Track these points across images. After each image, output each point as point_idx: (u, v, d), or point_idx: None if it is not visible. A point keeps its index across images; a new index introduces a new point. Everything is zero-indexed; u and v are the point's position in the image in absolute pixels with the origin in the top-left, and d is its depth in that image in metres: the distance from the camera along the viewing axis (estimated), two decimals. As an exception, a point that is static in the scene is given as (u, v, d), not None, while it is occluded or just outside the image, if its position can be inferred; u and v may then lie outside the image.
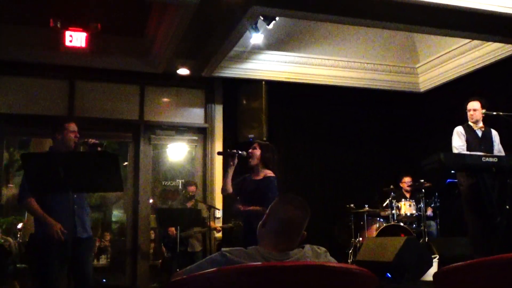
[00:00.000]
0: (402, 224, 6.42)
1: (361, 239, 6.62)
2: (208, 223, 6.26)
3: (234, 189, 4.34)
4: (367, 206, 6.80)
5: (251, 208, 4.08)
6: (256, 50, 7.05)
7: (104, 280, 7.29)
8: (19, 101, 6.73)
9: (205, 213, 6.30)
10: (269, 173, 4.18)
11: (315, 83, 7.56)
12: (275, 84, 7.30)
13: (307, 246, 1.93)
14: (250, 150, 4.31)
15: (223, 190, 4.39)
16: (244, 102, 7.36)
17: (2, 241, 8.04)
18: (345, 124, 7.87)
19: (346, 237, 6.86)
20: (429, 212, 6.67)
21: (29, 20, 6.26)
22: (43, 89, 6.85)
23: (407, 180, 7.04)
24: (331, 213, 7.09)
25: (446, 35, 6.46)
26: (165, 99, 7.50)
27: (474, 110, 5.22)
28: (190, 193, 6.69)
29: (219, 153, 5.37)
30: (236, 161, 4.34)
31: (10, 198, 10.77)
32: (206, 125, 7.45)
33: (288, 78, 7.43)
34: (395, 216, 6.59)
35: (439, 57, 7.67)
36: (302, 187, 6.94)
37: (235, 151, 4.38)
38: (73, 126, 3.88)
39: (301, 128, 7.64)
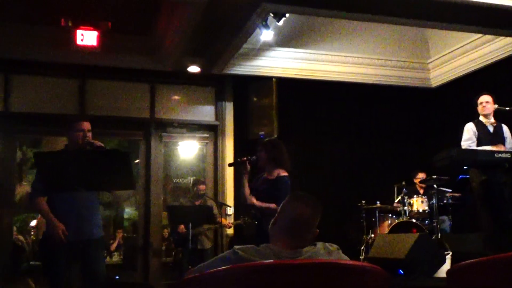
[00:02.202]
0: (414, 220, 6.38)
1: (373, 235, 6.59)
2: (220, 220, 6.28)
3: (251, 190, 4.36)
4: (378, 202, 6.76)
5: (266, 204, 4.08)
6: (266, 47, 7.04)
7: (117, 277, 7.34)
8: (30, 100, 6.79)
9: (215, 210, 6.32)
10: (282, 172, 4.18)
11: (325, 80, 7.54)
12: (286, 81, 7.29)
13: (319, 244, 1.94)
14: (257, 153, 4.34)
15: (245, 200, 4.39)
16: (255, 99, 7.35)
17: (15, 239, 8.13)
18: (356, 120, 7.84)
19: (358, 234, 6.83)
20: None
21: (40, 19, 6.31)
22: (54, 88, 6.90)
23: (421, 176, 6.98)
24: (343, 210, 7.06)
25: (457, 30, 6.41)
26: (176, 97, 7.52)
27: (487, 102, 5.18)
28: (201, 192, 6.71)
29: (230, 165, 5.41)
30: (248, 168, 4.37)
31: (24, 196, 10.88)
32: (217, 123, 7.46)
33: (298, 74, 7.42)
34: (407, 212, 6.55)
35: (450, 52, 7.61)
36: (313, 184, 6.92)
37: (245, 158, 4.41)
38: (80, 125, 3.86)
39: (312, 125, 7.63)
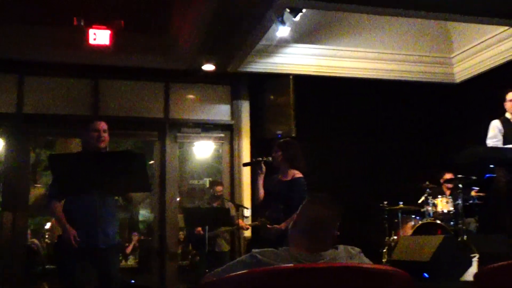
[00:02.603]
0: (439, 221, 6.32)
1: (395, 237, 6.55)
2: (241, 220, 6.29)
3: (264, 191, 4.36)
4: (401, 203, 6.72)
5: (289, 220, 4.04)
6: (283, 43, 7.02)
7: (132, 281, 7.41)
8: (43, 101, 6.87)
9: (233, 212, 6.34)
10: (297, 173, 4.17)
11: (344, 76, 7.50)
12: (303, 78, 7.27)
13: (341, 247, 1.93)
14: (272, 155, 4.34)
15: (257, 200, 4.43)
16: (271, 97, 7.35)
17: (30, 242, 8.26)
18: (376, 118, 7.79)
19: (380, 236, 6.79)
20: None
21: (52, 20, 6.38)
22: (67, 88, 6.97)
23: (448, 176, 6.91)
24: (364, 212, 7.02)
25: (482, 23, 6.33)
26: (190, 96, 7.55)
27: (514, 100, 5.11)
28: (218, 193, 6.73)
29: (244, 165, 5.43)
30: (264, 168, 4.38)
31: (38, 198, 11.04)
32: (233, 122, 7.48)
33: (316, 71, 7.39)
34: (431, 213, 6.49)
35: (475, 46, 7.51)
36: (333, 185, 6.88)
37: (260, 159, 4.43)
38: (96, 125, 3.90)
39: (331, 123, 7.59)
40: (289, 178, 4.20)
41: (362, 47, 7.53)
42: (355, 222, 6.63)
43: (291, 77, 7.16)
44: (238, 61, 6.91)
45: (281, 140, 4.56)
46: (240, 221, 6.38)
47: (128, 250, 9.80)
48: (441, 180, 7.02)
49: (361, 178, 7.47)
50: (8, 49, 6.47)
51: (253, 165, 4.58)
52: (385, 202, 6.77)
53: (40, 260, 8.52)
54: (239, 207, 6.59)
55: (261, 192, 4.39)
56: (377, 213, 6.84)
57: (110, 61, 6.78)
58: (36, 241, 8.85)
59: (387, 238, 6.66)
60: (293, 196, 4.06)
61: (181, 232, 8.49)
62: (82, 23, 6.27)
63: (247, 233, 6.98)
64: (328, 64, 7.42)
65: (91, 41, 6.37)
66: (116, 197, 4.05)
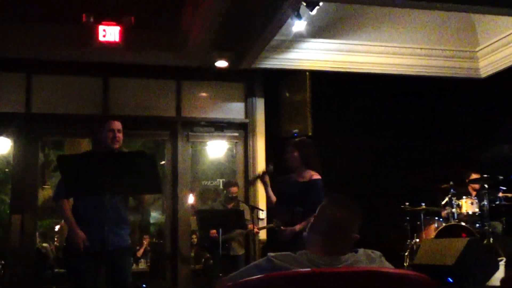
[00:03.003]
0: (463, 223, 6.27)
1: (418, 240, 6.52)
2: (252, 225, 6.30)
3: (276, 192, 4.37)
4: (423, 204, 6.67)
5: (293, 228, 4.05)
6: (299, 38, 7.01)
7: (144, 286, 7.46)
8: (52, 101, 6.95)
9: (247, 215, 6.34)
10: (315, 174, 4.15)
11: (363, 72, 7.47)
12: (320, 74, 7.25)
13: (361, 250, 1.92)
14: (287, 155, 4.33)
15: (269, 205, 4.47)
16: (287, 94, 7.34)
17: (39, 246, 8.35)
18: (397, 115, 7.73)
19: (402, 239, 6.76)
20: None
21: (61, 17, 6.44)
22: (77, 87, 7.04)
23: (474, 176, 6.84)
24: (385, 213, 6.99)
25: (508, 14, 6.25)
26: (203, 94, 7.57)
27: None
28: (233, 194, 6.74)
29: (249, 182, 5.43)
30: (267, 180, 4.42)
31: (47, 199, 11.15)
32: (247, 120, 7.49)
33: (334, 67, 7.37)
34: (455, 215, 6.44)
35: (501, 39, 7.43)
36: (351, 186, 6.86)
37: (262, 172, 4.49)
38: (110, 124, 3.92)
39: (349, 121, 7.57)
40: (306, 179, 4.18)
41: (381, 41, 7.49)
42: (375, 225, 6.59)
43: (307, 73, 7.15)
44: (252, 57, 6.91)
45: (296, 140, 4.55)
46: (251, 225, 6.37)
47: (139, 253, 9.86)
48: (466, 180, 6.95)
49: (381, 178, 7.43)
50: (15, 47, 6.55)
51: (258, 179, 4.65)
52: (407, 204, 6.73)
53: (50, 263, 8.61)
54: (254, 209, 6.59)
55: (273, 198, 4.43)
56: (398, 215, 6.81)
57: (120, 58, 6.83)
58: (45, 244, 8.94)
59: (409, 241, 6.63)
60: (311, 198, 4.04)
61: (193, 235, 8.52)
62: (91, 20, 6.32)
63: (262, 236, 6.98)
64: (346, 60, 7.40)
65: (101, 38, 6.41)
66: (128, 198, 4.08)
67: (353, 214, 1.96)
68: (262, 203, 7.07)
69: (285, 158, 4.39)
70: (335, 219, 1.93)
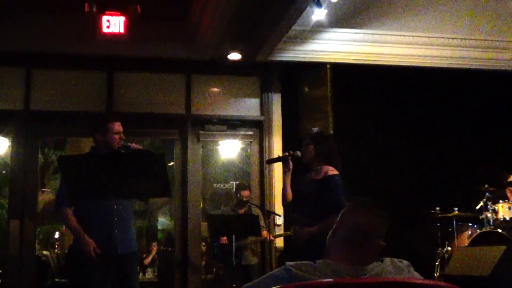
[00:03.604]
0: (500, 230, 6.23)
1: (449, 248, 6.49)
2: (267, 232, 6.30)
3: (292, 192, 4.33)
4: (456, 209, 6.63)
5: (321, 224, 3.99)
6: (319, 28, 6.99)
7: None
8: (53, 97, 7.01)
9: (261, 220, 6.35)
10: (331, 170, 4.10)
11: (389, 64, 7.44)
12: (342, 67, 7.24)
13: (387, 260, 1.92)
14: (303, 148, 4.28)
15: (284, 202, 4.41)
16: (306, 89, 7.34)
17: (39, 253, 8.44)
18: (427, 112, 7.70)
19: (432, 247, 6.73)
20: None
21: (62, 7, 6.49)
22: (79, 82, 7.10)
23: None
24: (413, 219, 6.96)
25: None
26: (215, 89, 7.59)
27: None
28: (244, 198, 6.75)
29: (268, 162, 5.37)
30: (291, 165, 4.33)
31: (46, 204, 11.26)
32: (262, 118, 7.49)
33: (357, 59, 7.35)
34: (491, 220, 6.40)
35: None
36: (377, 188, 6.85)
37: (286, 154, 4.38)
38: (117, 126, 3.98)
39: (374, 118, 7.54)
40: (321, 176, 4.13)
41: (409, 30, 7.45)
42: (403, 231, 6.58)
43: (328, 66, 7.14)
44: (269, 49, 6.91)
45: (314, 132, 4.47)
46: (265, 232, 6.36)
47: (147, 261, 9.91)
48: (504, 183, 6.90)
49: (409, 180, 7.40)
50: (13, 40, 6.62)
51: (279, 161, 4.54)
52: (438, 208, 6.70)
53: (50, 273, 8.70)
54: (270, 214, 6.60)
55: (289, 193, 4.35)
56: (428, 221, 6.78)
57: (125, 51, 6.87)
58: (45, 252, 9.04)
59: (439, 249, 6.60)
60: (325, 196, 4.00)
61: (203, 243, 8.55)
62: (94, 10, 6.36)
63: (279, 244, 6.99)
64: (371, 51, 7.37)
65: (104, 29, 6.47)
66: (133, 201, 4.13)
67: (379, 219, 1.95)
68: (278, 207, 7.08)
69: (300, 151, 4.35)
70: (359, 225, 1.93)
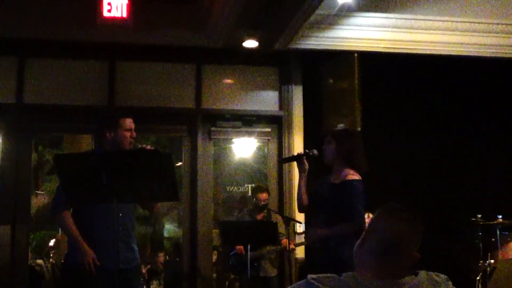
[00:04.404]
0: (550, 241, 6.19)
1: (492, 261, 6.45)
2: (286, 240, 6.30)
3: (308, 195, 4.34)
4: (500, 217, 6.59)
5: (334, 230, 4.01)
6: (346, 12, 6.99)
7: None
8: (48, 89, 7.06)
9: (281, 227, 6.36)
10: (352, 174, 4.08)
11: (424, 53, 7.41)
12: (372, 56, 7.22)
13: (422, 273, 1.92)
14: (323, 146, 4.28)
15: (299, 206, 4.42)
16: (331, 81, 7.33)
17: (33, 263, 8.51)
18: (467, 107, 7.66)
19: (472, 259, 6.69)
20: None
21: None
22: (78, 73, 7.14)
23: None
24: (451, 227, 6.93)
25: None
26: (228, 81, 7.61)
27: None
28: (262, 202, 6.76)
29: (281, 161, 5.34)
30: (306, 165, 4.34)
31: (41, 208, 11.37)
32: (282, 113, 7.50)
33: (388, 47, 7.32)
34: (540, 230, 6.36)
35: None
36: (410, 193, 6.83)
37: (301, 152, 4.39)
38: (129, 123, 4.01)
39: (407, 114, 7.51)
40: (339, 180, 4.13)
41: (448, 15, 7.41)
42: (441, 241, 6.55)
43: (356, 55, 7.13)
44: (289, 36, 6.90)
45: (337, 129, 4.49)
46: (284, 240, 6.36)
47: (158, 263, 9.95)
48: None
49: (447, 183, 7.36)
50: (4, 26, 6.67)
51: (293, 161, 4.54)
52: (479, 216, 6.65)
53: (45, 284, 8.77)
54: (290, 220, 6.60)
55: (304, 196, 4.37)
56: (468, 230, 6.73)
57: (128, 38, 6.91)
58: (39, 261, 9.10)
59: (481, 262, 6.56)
60: (340, 203, 4.01)
61: (215, 251, 8.57)
62: (94, -8, 6.41)
63: (300, 254, 6.99)
64: (404, 38, 7.34)
65: (105, 13, 6.50)
66: (135, 206, 4.14)
67: (413, 227, 1.94)
68: (300, 213, 7.08)
69: (319, 151, 4.35)
70: (390, 234, 1.92)
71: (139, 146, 3.97)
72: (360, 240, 1.98)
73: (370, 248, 1.94)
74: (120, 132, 3.96)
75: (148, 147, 3.96)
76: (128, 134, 3.97)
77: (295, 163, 4.77)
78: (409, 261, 1.93)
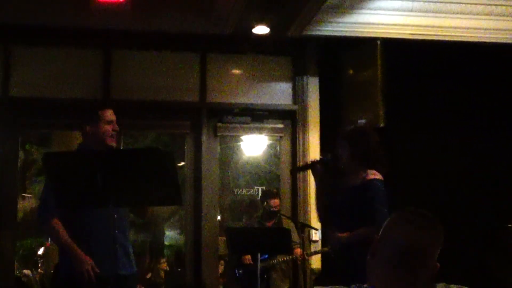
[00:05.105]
0: None
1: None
2: (300, 249, 6.34)
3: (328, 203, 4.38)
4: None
5: (356, 235, 4.04)
6: (367, -6, 7.02)
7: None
8: (37, 80, 7.09)
9: (294, 235, 6.38)
10: (372, 174, 4.11)
11: (456, 41, 7.39)
12: (397, 44, 7.21)
13: (441, 286, 1.92)
14: (338, 150, 4.31)
15: (319, 218, 4.46)
16: (351, 71, 7.34)
17: (19, 273, 8.59)
18: (505, 100, 7.64)
19: (506, 269, 6.69)
20: None
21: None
22: (69, 62, 7.16)
23: None
24: (482, 235, 6.93)
25: None
26: (236, 71, 7.63)
27: None
28: (273, 208, 6.79)
29: (294, 171, 5.38)
30: (320, 172, 4.37)
31: (28, 213, 11.42)
32: (296, 107, 7.52)
33: (415, 34, 7.31)
34: None
35: None
36: (434, 196, 6.83)
37: (315, 159, 4.42)
38: (110, 114, 4.07)
39: (436, 108, 7.51)
40: (358, 181, 4.15)
41: (482, -2, 7.41)
42: (468, 250, 6.56)
43: (379, 42, 7.12)
44: (304, 21, 6.90)
45: (349, 129, 4.49)
46: (298, 249, 6.39)
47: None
48: None
49: (478, 185, 7.35)
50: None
51: (306, 170, 4.60)
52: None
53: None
54: (304, 227, 6.63)
55: (323, 206, 4.42)
56: (502, 237, 6.73)
57: (125, 24, 6.92)
58: (27, 271, 9.20)
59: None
60: (360, 205, 4.04)
61: (221, 262, 8.61)
62: (87, -28, 6.44)
63: (315, 264, 7.01)
64: (433, 24, 7.32)
65: (100, -4, 6.55)
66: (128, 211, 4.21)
67: (433, 234, 1.93)
68: (315, 219, 7.09)
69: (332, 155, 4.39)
70: (408, 243, 1.90)
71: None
72: (371, 249, 1.96)
73: (383, 259, 1.92)
74: (100, 126, 4.03)
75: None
76: (109, 127, 4.03)
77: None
78: (427, 273, 1.91)
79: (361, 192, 4.07)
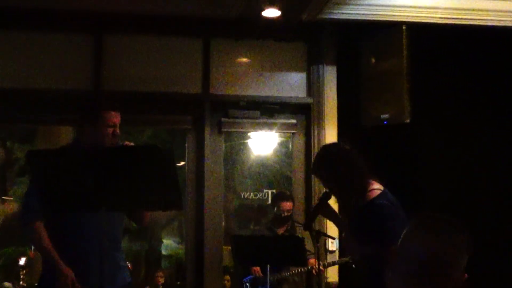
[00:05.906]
0: None
1: None
2: (315, 260, 6.37)
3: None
4: None
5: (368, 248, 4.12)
6: (391, -27, 7.03)
7: None
8: (19, 69, 7.11)
9: (309, 244, 6.42)
10: (373, 190, 4.17)
11: (492, 25, 7.39)
12: (424, 29, 7.22)
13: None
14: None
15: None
16: (373, 60, 7.34)
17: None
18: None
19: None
20: None
21: None
22: (55, 48, 7.18)
23: None
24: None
25: None
26: (243, 60, 7.65)
27: None
28: (285, 213, 6.82)
29: (306, 226, 5.40)
30: (328, 206, 4.46)
31: (9, 218, 11.49)
32: (311, 100, 7.54)
33: (445, 18, 7.30)
34: None
35: None
36: (462, 199, 6.85)
37: (317, 202, 4.52)
38: (113, 117, 4.10)
39: (468, 101, 7.51)
40: (365, 201, 4.23)
41: (522, -23, 7.41)
42: (500, 260, 6.56)
43: (404, 27, 7.12)
44: (319, 4, 6.92)
45: (319, 152, 4.63)
46: (313, 260, 6.43)
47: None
48: None
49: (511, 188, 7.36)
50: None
51: (317, 215, 4.69)
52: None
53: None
54: (320, 235, 6.66)
55: (346, 232, 4.53)
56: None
57: (119, 6, 6.96)
58: (8, 284, 9.27)
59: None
60: (368, 227, 4.13)
61: (227, 277, 8.65)
62: None
63: (332, 277, 7.03)
64: (465, 6, 7.31)
65: (91, -25, 6.59)
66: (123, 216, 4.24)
67: (457, 243, 1.94)
68: (331, 227, 7.12)
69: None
70: (429, 254, 1.91)
71: (121, 144, 4.03)
72: (389, 264, 1.99)
73: (401, 272, 1.95)
74: (100, 128, 4.06)
75: (129, 143, 4.04)
76: (110, 130, 4.06)
77: None
78: (453, 285, 1.92)
79: (365, 213, 4.15)
